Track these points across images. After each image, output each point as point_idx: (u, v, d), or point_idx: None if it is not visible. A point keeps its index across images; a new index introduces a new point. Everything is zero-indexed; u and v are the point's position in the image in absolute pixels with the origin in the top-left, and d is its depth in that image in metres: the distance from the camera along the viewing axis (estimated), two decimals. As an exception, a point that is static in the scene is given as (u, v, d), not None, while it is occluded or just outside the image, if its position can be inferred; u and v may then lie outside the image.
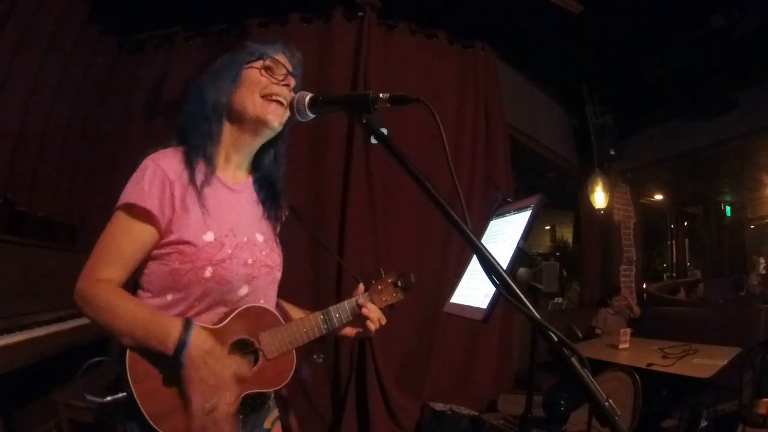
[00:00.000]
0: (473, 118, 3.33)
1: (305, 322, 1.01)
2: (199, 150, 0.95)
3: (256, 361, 0.92)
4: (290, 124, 1.01)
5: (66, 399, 1.82)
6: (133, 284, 0.92)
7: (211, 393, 0.82)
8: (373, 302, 1.10)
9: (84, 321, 1.99)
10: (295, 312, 1.12)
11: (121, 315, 0.83)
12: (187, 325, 0.83)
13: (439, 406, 2.76)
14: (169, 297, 0.89)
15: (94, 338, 1.97)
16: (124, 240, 0.89)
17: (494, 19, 3.39)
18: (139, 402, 0.80)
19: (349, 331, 1.11)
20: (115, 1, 2.93)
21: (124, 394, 0.81)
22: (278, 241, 1.06)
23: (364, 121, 0.81)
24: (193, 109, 0.98)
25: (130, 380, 0.80)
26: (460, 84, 3.33)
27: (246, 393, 0.90)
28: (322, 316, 1.03)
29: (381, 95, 0.80)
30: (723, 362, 2.69)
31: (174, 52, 3.15)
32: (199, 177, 0.93)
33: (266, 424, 1.01)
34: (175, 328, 0.82)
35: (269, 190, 1.05)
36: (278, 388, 0.96)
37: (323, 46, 2.97)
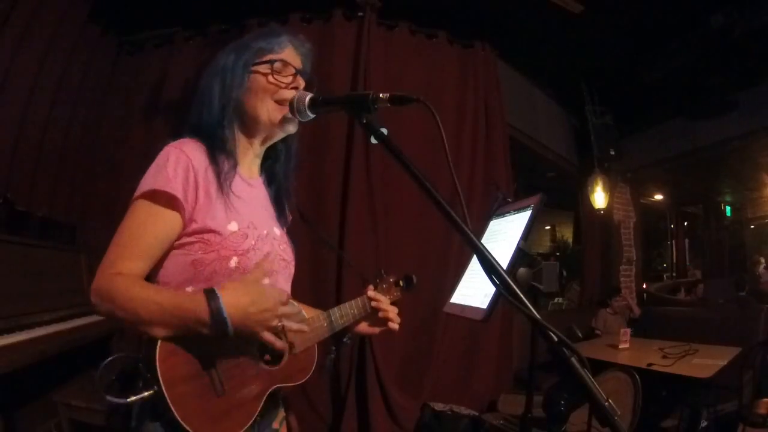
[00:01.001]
0: (473, 118, 3.33)
1: (324, 318, 1.04)
2: (215, 147, 0.93)
3: (281, 356, 0.93)
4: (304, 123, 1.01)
5: (66, 399, 1.82)
6: (145, 278, 0.87)
7: (275, 322, 0.83)
8: None
9: (84, 321, 1.99)
10: (305, 311, 1.13)
11: (146, 303, 0.77)
12: (211, 296, 0.77)
13: (439, 406, 2.76)
14: (189, 289, 0.86)
15: (94, 338, 1.98)
16: (147, 229, 0.84)
17: (494, 19, 3.39)
18: (171, 403, 0.76)
19: (373, 330, 1.14)
20: (115, 1, 2.93)
21: (151, 392, 0.76)
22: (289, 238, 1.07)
23: (365, 121, 0.81)
24: (202, 111, 0.95)
25: (161, 379, 0.76)
26: (460, 84, 3.33)
27: (273, 388, 0.90)
28: (338, 312, 1.07)
29: (381, 95, 0.80)
30: (723, 362, 2.69)
31: (174, 52, 3.15)
32: (222, 168, 0.91)
33: (275, 425, 1.00)
34: (201, 303, 0.77)
35: (278, 188, 1.06)
36: (301, 382, 0.97)
37: (323, 46, 2.97)
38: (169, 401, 0.75)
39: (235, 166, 0.94)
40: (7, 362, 1.46)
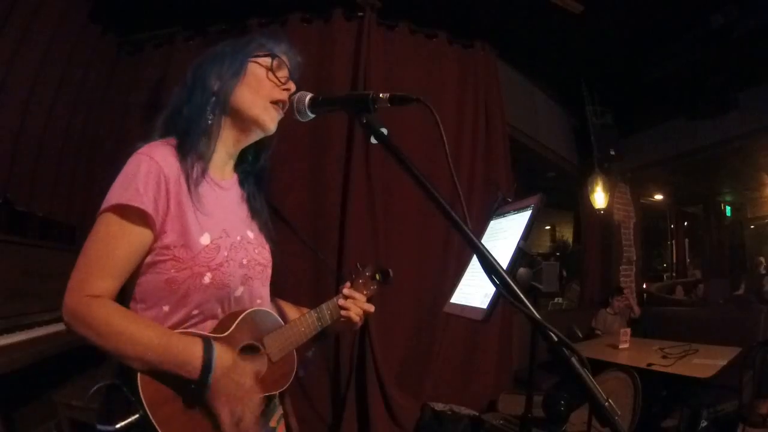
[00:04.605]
0: (473, 118, 3.33)
1: (302, 322, 1.02)
2: (191, 143, 0.89)
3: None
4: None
5: (66, 399, 1.82)
6: (121, 293, 0.85)
7: (238, 404, 0.80)
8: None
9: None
10: (290, 309, 1.13)
11: (130, 340, 0.76)
12: (208, 346, 0.79)
13: (439, 406, 2.76)
14: (166, 308, 0.85)
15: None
16: (118, 247, 0.81)
17: (494, 19, 3.39)
18: (157, 425, 0.75)
19: (342, 326, 1.13)
20: (115, 1, 2.93)
21: (137, 416, 0.76)
22: (266, 238, 1.03)
23: (365, 121, 0.81)
24: (191, 96, 0.92)
25: (145, 404, 0.75)
26: (460, 84, 3.33)
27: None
28: (315, 314, 1.05)
29: (381, 95, 0.80)
30: (723, 362, 2.69)
31: (174, 52, 3.15)
32: (193, 173, 0.88)
33: (272, 423, 1.00)
34: (195, 351, 0.78)
35: (254, 187, 1.03)
36: (283, 389, 0.96)
37: (323, 46, 2.97)
38: (155, 423, 0.75)
39: (206, 169, 0.92)
40: (7, 362, 1.46)
